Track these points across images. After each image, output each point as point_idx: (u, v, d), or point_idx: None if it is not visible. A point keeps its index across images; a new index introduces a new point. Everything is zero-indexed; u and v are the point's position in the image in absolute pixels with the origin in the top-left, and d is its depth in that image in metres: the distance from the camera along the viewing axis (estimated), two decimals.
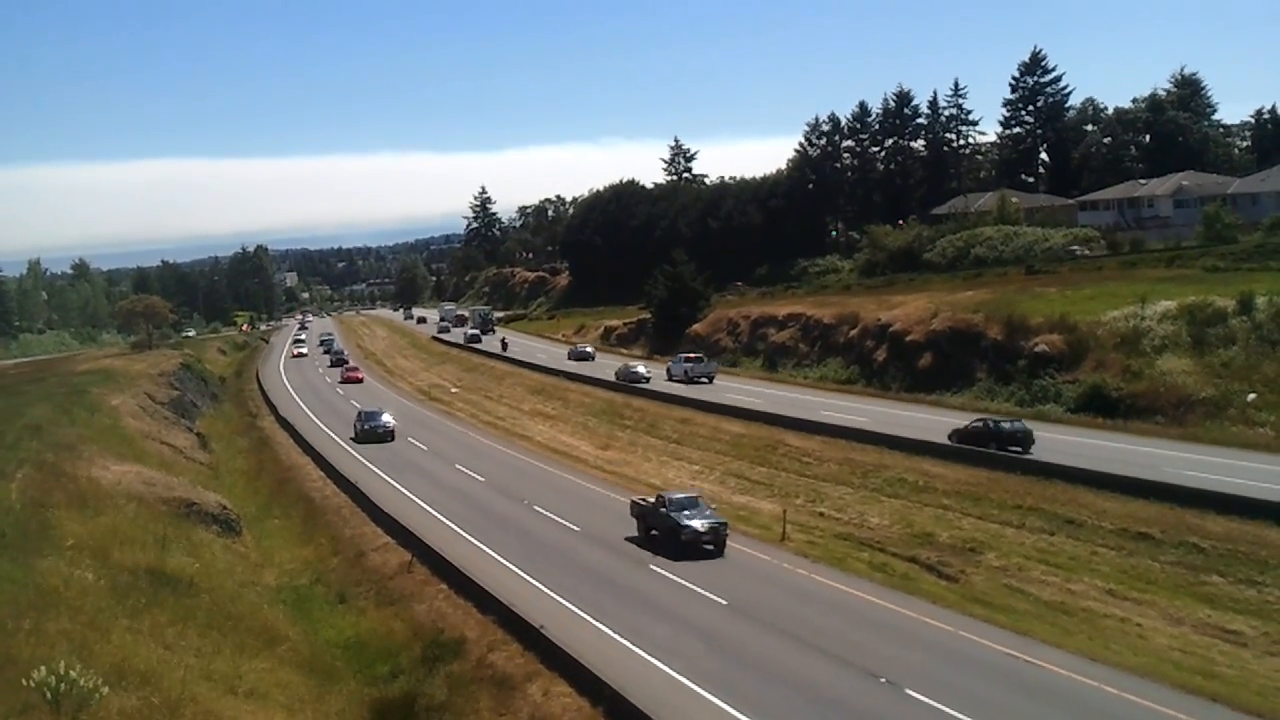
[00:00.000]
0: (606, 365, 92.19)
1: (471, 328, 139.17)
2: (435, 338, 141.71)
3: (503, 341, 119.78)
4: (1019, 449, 48.28)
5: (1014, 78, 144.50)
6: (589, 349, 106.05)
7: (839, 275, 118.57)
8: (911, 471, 48.51)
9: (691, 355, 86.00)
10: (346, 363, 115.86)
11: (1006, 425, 49.81)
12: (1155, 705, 23.59)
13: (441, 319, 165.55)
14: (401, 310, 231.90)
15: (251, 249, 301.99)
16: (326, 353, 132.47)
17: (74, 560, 27.54)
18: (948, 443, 50.64)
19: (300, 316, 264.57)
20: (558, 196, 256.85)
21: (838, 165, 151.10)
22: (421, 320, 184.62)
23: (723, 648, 28.10)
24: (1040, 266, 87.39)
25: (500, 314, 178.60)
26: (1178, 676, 25.80)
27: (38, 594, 23.71)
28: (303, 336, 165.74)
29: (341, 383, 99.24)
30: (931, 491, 45.79)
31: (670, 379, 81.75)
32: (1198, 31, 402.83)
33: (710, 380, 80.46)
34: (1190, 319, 57.00)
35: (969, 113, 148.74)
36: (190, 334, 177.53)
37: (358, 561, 40.83)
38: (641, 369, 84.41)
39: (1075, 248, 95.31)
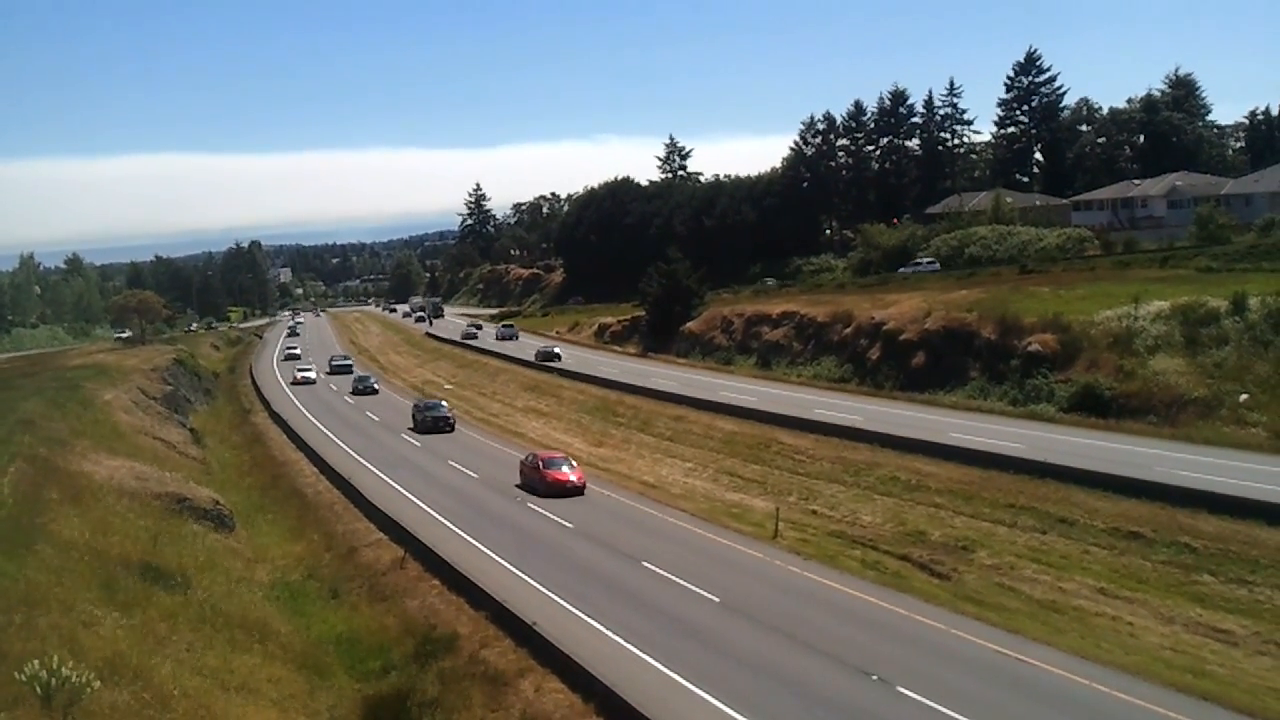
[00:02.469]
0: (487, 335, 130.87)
1: (420, 313, 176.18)
2: (428, 334, 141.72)
3: (430, 320, 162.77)
4: (556, 362, 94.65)
5: (1009, 77, 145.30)
6: (477, 328, 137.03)
7: (833, 274, 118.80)
8: (904, 470, 48.58)
9: (506, 323, 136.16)
10: (464, 427, 69.05)
11: (550, 349, 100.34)
12: (1146, 704, 23.66)
13: (410, 309, 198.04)
14: (382, 305, 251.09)
15: (245, 244, 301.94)
16: (358, 392, 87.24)
17: (66, 555, 27.50)
18: (940, 441, 50.82)
19: (290, 314, 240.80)
20: (552, 194, 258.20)
21: (832, 164, 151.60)
22: (392, 311, 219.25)
23: (715, 644, 28.12)
24: (1034, 266, 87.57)
25: (494, 311, 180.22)
26: (1168, 675, 25.85)
27: (29, 588, 23.66)
28: (295, 347, 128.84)
29: (525, 488, 48.85)
30: (924, 490, 45.86)
31: (495, 339, 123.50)
32: (1192, 32, 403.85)
33: (515, 339, 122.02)
34: (1183, 319, 57.09)
35: (964, 112, 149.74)
36: (125, 334, 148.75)
37: (350, 557, 40.81)
38: (474, 329, 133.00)
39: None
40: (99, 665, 19.34)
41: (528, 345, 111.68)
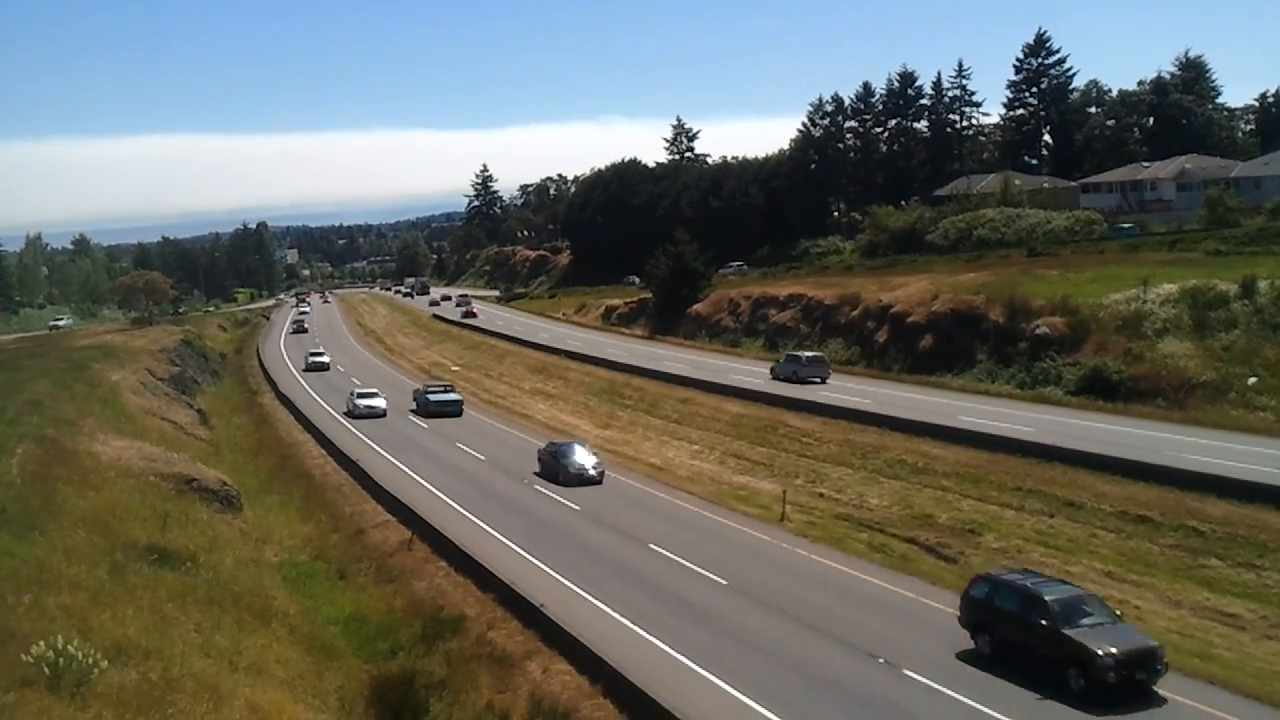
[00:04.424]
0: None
1: (408, 290, 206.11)
2: (435, 315, 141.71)
3: (414, 295, 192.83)
4: (473, 319, 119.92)
5: (1018, 59, 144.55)
6: (445, 299, 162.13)
7: (841, 256, 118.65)
8: (911, 453, 48.53)
9: (462, 294, 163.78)
10: None
11: (469, 309, 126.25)
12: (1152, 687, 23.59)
13: (404, 288, 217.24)
14: (380, 286, 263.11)
15: (252, 225, 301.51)
16: (558, 478, 46.68)
17: (74, 536, 27.54)
18: (948, 425, 50.76)
19: (295, 299, 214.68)
20: (559, 175, 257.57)
21: (840, 146, 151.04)
22: (387, 289, 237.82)
23: (722, 627, 28.18)
24: (1042, 249, 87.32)
25: (500, 292, 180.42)
26: (1175, 659, 25.73)
27: (38, 569, 23.70)
28: (323, 354, 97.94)
29: None
30: (931, 473, 45.82)
31: (455, 306, 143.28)
32: (1202, 14, 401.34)
33: (469, 304, 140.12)
34: (1192, 302, 56.95)
35: (973, 94, 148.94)
36: (62, 321, 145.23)
37: (358, 538, 40.87)
38: (440, 300, 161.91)
39: None
40: (107, 646, 19.36)
41: (482, 313, 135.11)
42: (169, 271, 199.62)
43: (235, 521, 40.49)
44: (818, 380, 66.97)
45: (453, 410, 67.85)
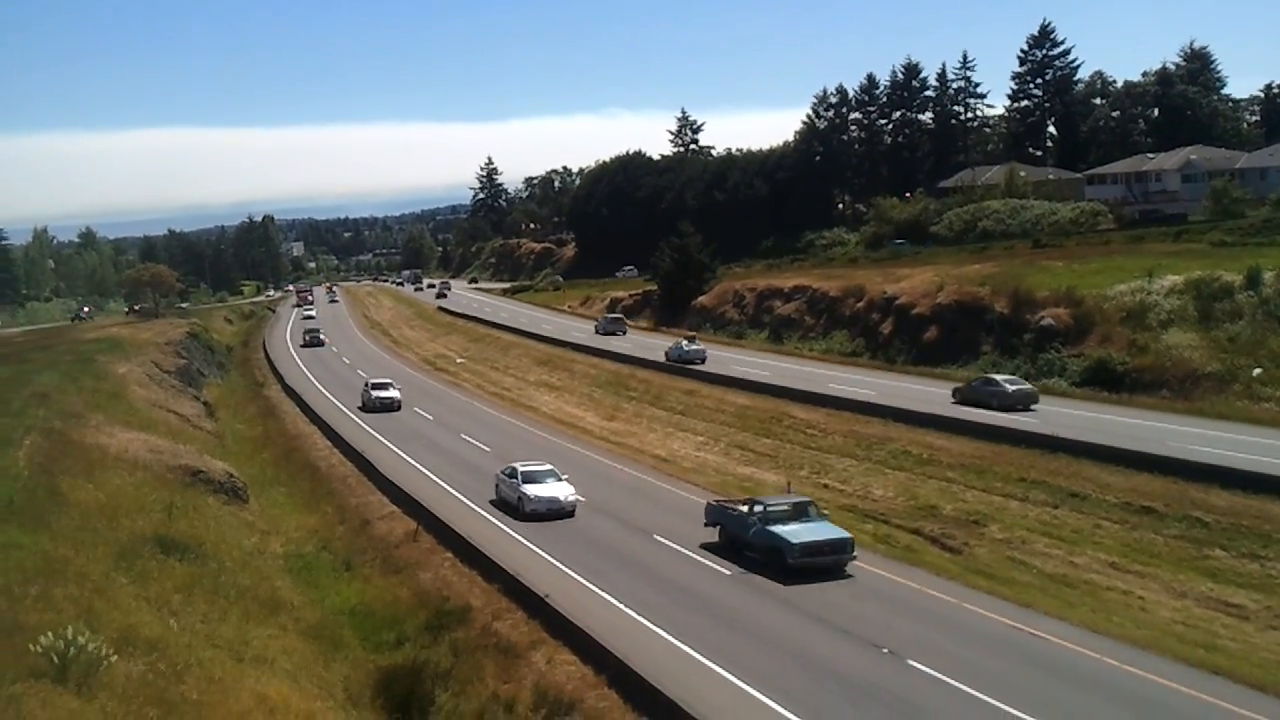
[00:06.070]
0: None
1: (406, 281, 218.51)
2: (440, 308, 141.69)
3: (408, 284, 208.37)
4: (445, 300, 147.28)
5: (1023, 51, 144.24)
6: (431, 286, 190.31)
7: (845, 248, 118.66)
8: (916, 444, 48.56)
9: (444, 281, 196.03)
10: None
11: (442, 291, 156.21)
12: (1157, 678, 23.64)
13: (399, 279, 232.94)
14: (375, 277, 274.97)
15: (258, 218, 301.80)
16: None
17: (81, 527, 27.63)
18: (952, 415, 50.75)
19: (296, 296, 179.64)
20: (564, 167, 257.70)
21: (845, 138, 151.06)
22: (385, 281, 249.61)
23: (726, 618, 28.18)
24: (1047, 240, 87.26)
25: (505, 285, 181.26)
26: (1180, 649, 25.85)
27: (45, 560, 23.78)
28: (389, 387, 68.30)
29: None
30: (936, 464, 45.86)
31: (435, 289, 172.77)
32: (1207, 5, 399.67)
33: (449, 287, 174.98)
34: (1197, 293, 56.91)
35: (977, 85, 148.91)
36: None
37: (363, 530, 40.92)
38: (422, 287, 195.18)
39: None
40: (114, 636, 19.42)
41: (454, 295, 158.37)
42: (175, 264, 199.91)
43: (241, 513, 40.58)
44: (620, 333, 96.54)
45: (836, 562, 31.87)
